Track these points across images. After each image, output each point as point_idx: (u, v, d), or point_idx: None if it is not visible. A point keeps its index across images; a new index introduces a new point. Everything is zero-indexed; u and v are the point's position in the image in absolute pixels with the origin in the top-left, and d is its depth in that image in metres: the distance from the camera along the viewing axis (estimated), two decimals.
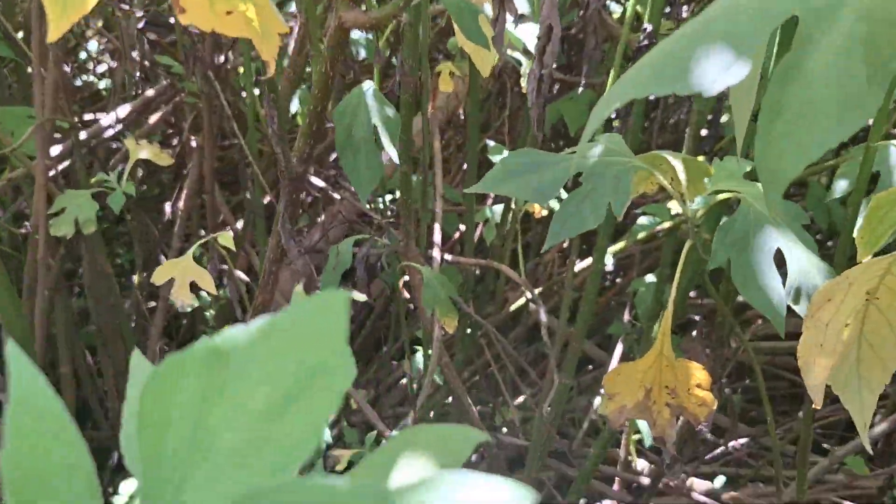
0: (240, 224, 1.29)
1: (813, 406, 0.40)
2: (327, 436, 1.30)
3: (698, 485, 0.92)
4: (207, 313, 1.30)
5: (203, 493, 0.19)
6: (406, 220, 0.81)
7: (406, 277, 1.03)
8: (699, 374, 0.48)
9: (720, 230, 0.49)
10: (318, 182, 1.13)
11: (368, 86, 0.66)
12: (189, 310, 1.29)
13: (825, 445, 1.15)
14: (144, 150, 0.96)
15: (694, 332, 1.20)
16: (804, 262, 0.46)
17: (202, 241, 0.70)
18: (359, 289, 1.46)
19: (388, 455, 0.20)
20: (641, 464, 1.04)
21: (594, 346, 1.34)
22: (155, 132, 1.36)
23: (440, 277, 0.73)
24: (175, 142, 1.42)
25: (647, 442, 1.03)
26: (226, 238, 0.65)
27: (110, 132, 1.24)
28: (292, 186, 0.54)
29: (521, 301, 1.21)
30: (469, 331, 1.12)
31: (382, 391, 1.46)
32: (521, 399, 1.23)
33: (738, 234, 0.47)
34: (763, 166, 0.22)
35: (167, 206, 1.43)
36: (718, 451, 1.10)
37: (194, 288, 0.81)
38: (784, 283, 0.47)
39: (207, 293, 1.26)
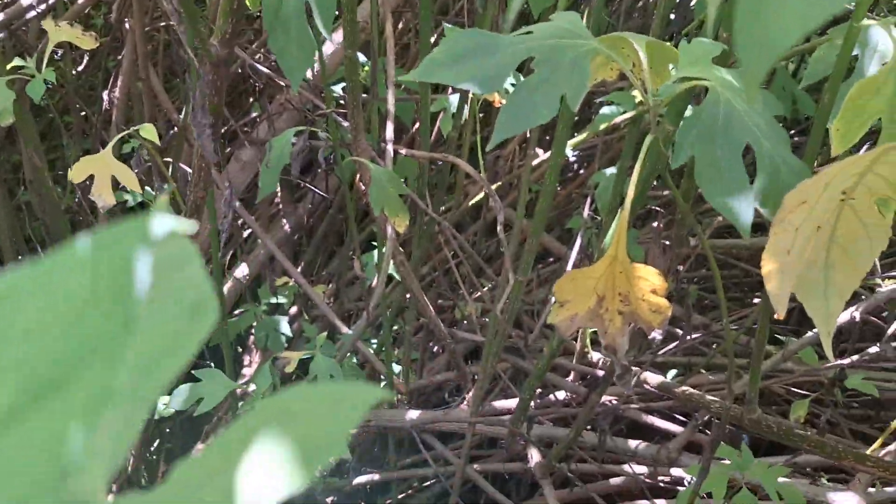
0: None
1: (776, 316, 0.37)
2: (286, 330, 1.28)
3: (652, 379, 0.92)
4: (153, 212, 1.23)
5: None
6: (353, 111, 0.75)
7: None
8: (654, 278, 0.45)
9: (685, 122, 0.45)
10: (263, 69, 1.05)
11: None
12: (133, 206, 1.23)
13: (778, 336, 1.16)
14: (65, 33, 0.87)
15: (654, 224, 1.18)
16: (776, 160, 0.42)
17: (123, 133, 0.63)
18: (315, 184, 1.40)
19: (248, 431, 0.15)
20: (597, 356, 1.03)
21: (554, 240, 1.32)
22: (90, 13, 1.24)
23: (389, 174, 0.68)
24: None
25: None
26: (149, 131, 0.59)
27: (32, 13, 1.13)
28: (213, 72, 0.47)
29: (482, 195, 1.17)
30: (426, 228, 1.09)
31: (342, 286, 1.44)
32: (479, 294, 1.22)
33: (704, 126, 0.43)
34: (744, 37, 0.17)
35: (104, 94, 1.34)
36: (673, 345, 1.10)
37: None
38: (752, 182, 0.43)
39: (152, 190, 1.19)
